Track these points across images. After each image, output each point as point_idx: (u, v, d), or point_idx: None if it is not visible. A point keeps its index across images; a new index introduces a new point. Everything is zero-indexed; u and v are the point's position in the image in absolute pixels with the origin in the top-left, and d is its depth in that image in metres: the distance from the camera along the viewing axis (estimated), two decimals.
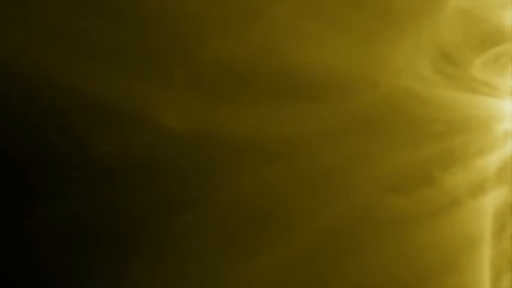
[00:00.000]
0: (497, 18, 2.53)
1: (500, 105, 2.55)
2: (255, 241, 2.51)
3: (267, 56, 2.53)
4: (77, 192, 2.45)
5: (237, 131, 2.52)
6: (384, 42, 2.55)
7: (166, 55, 2.51)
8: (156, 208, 2.47)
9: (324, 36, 2.54)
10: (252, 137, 2.53)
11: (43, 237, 2.39)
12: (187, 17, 2.50)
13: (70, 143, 2.47)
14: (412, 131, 2.54)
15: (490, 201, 2.52)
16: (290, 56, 2.54)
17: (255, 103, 2.55)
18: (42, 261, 2.40)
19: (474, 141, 2.56)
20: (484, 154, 2.53)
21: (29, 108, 2.42)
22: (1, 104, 2.38)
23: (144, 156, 2.50)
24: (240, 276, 2.45)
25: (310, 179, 2.54)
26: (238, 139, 2.53)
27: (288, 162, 2.55)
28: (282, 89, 2.56)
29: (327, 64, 2.53)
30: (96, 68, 2.47)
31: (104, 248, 2.43)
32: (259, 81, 2.55)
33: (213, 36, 2.52)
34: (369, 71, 2.54)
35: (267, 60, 2.54)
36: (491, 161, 2.53)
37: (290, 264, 2.50)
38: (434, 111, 2.55)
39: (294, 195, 2.52)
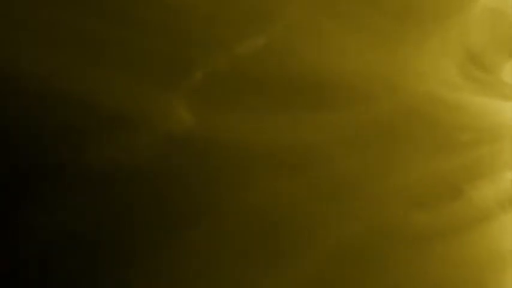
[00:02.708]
0: None
1: None
2: (267, 257, 2.43)
3: (283, 59, 2.46)
4: (74, 202, 2.36)
5: (249, 139, 2.42)
6: (407, 44, 2.46)
7: (172, 56, 2.42)
8: (159, 219, 2.38)
9: (343, 38, 2.45)
10: (266, 145, 2.44)
11: (39, 248, 2.32)
12: (196, 16, 2.43)
13: (66, 149, 2.37)
14: (436, 140, 2.46)
15: None
16: (307, 59, 2.46)
17: (269, 108, 2.46)
18: (38, 273, 2.33)
19: (504, 151, 2.48)
20: None
21: (22, 113, 2.36)
22: None
23: (145, 163, 2.39)
24: None
25: (327, 191, 2.44)
26: (250, 147, 2.43)
27: (304, 172, 2.45)
28: (298, 94, 2.48)
29: (346, 68, 2.45)
30: (94, 69, 2.38)
31: (102, 260, 2.36)
32: (273, 85, 2.46)
33: (223, 37, 2.43)
34: (391, 75, 2.45)
35: (283, 63, 2.46)
36: None
37: (306, 281, 2.43)
38: (461, 119, 2.46)
39: (310, 208, 2.43)
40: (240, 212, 2.40)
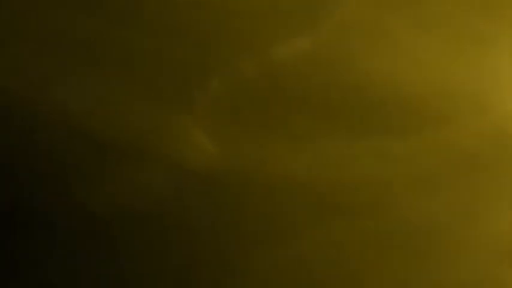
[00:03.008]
0: None
1: None
2: None
3: (332, 68, 2.23)
4: (59, 259, 2.18)
5: (289, 172, 2.21)
6: (497, 51, 2.26)
7: (185, 62, 2.22)
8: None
9: (412, 42, 2.25)
10: (309, 181, 2.21)
11: None
12: (213, 13, 2.23)
13: (54, 190, 2.19)
14: None
15: None
16: (365, 68, 2.24)
17: (315, 133, 2.23)
18: None
19: None
20: None
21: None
22: None
23: (153, 208, 2.19)
24: None
25: (393, 240, 2.23)
26: (290, 184, 2.21)
27: (361, 217, 2.22)
28: (352, 114, 2.25)
29: (418, 81, 2.25)
30: (92, 84, 2.22)
31: None
32: (319, 102, 2.24)
33: (251, 39, 2.23)
34: (475, 91, 2.25)
35: (332, 73, 2.23)
36: None
37: None
38: None
39: (370, 262, 2.23)
40: (271, 273, 2.22)
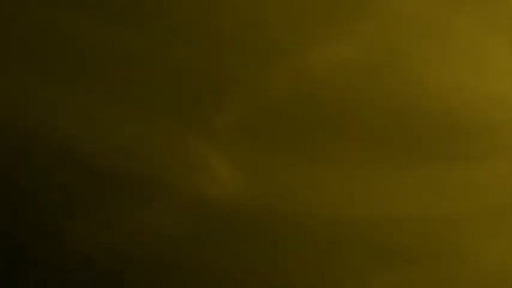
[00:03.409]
0: None
1: None
2: None
3: (382, 77, 1.93)
4: None
5: (328, 209, 1.92)
6: None
7: (206, 81, 1.92)
8: None
9: (483, 45, 1.91)
10: (351, 219, 1.94)
11: None
12: (234, 15, 1.92)
13: (46, 229, 1.95)
14: None
15: None
16: (423, 77, 1.92)
17: (358, 160, 1.94)
18: None
19: None
20: None
21: None
22: None
23: (164, 252, 1.93)
24: None
25: None
26: (328, 223, 1.93)
27: (420, 262, 1.92)
28: (406, 135, 1.94)
29: (493, 96, 1.92)
30: (93, 104, 1.96)
31: None
32: (365, 123, 1.95)
33: (287, 50, 1.91)
34: None
35: (382, 84, 1.92)
36: None
37: None
38: None
39: None
40: None
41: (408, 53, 1.94)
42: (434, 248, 1.94)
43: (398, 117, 1.95)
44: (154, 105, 1.95)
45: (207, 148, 1.95)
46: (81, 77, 1.97)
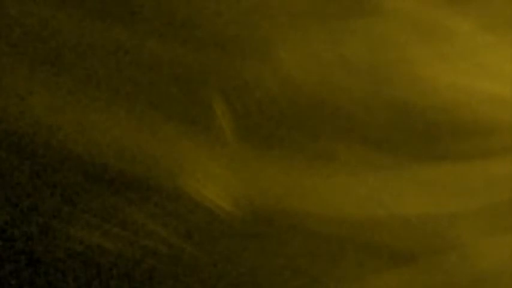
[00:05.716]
0: None
1: None
2: None
3: (378, 77, 1.94)
4: None
5: (337, 211, 1.91)
6: None
7: (204, 77, 1.90)
8: None
9: (484, 41, 1.94)
10: (357, 221, 1.92)
11: None
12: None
13: (35, 231, 1.89)
14: None
15: None
16: (421, 76, 1.93)
17: (366, 162, 1.92)
18: None
19: None
20: None
21: None
22: None
23: (160, 262, 1.88)
24: None
25: None
26: (337, 227, 1.91)
27: (425, 263, 1.92)
28: (411, 135, 1.94)
29: (489, 93, 1.95)
30: (90, 105, 1.91)
31: None
32: (366, 120, 1.95)
33: (284, 46, 1.91)
34: None
35: (383, 84, 1.92)
36: None
37: None
38: None
39: None
40: None
41: (406, 53, 1.94)
42: (434, 248, 1.92)
43: (397, 117, 1.94)
44: (145, 105, 1.90)
45: (202, 150, 1.90)
46: (74, 77, 1.90)
